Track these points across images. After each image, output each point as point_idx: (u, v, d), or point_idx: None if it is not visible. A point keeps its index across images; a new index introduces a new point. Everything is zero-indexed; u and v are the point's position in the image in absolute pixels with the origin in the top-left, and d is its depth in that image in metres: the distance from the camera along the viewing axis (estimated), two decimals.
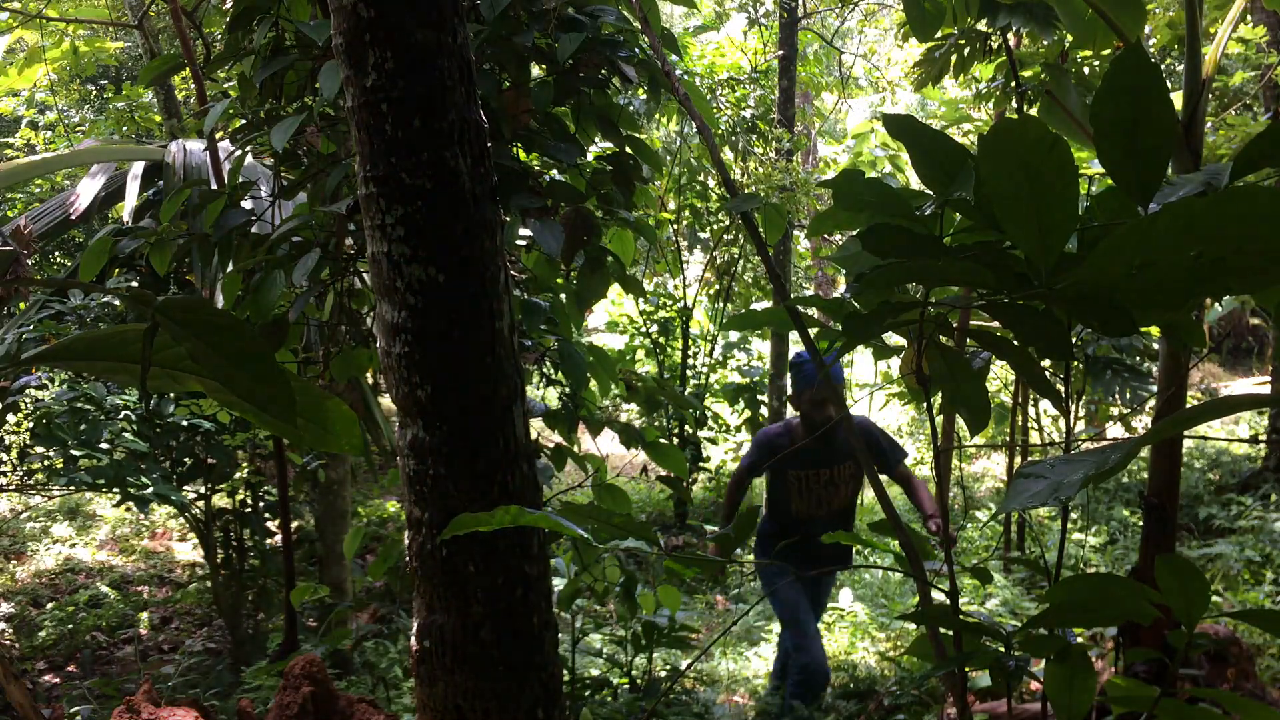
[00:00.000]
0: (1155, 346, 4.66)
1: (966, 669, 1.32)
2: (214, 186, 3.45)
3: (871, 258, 1.27)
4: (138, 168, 4.51)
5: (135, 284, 4.73)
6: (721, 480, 8.46)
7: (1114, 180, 1.03)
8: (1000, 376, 8.10)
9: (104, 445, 4.24)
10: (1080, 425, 6.48)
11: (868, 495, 8.65)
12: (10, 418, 4.61)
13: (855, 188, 1.27)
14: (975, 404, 1.33)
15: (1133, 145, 0.99)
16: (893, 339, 1.51)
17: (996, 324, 1.29)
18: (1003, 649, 1.19)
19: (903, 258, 1.17)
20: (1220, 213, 0.88)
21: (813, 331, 1.64)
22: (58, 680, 4.97)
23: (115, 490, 4.24)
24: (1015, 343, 1.26)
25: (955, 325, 2.02)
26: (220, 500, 5.18)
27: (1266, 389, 7.20)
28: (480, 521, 1.10)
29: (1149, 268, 0.96)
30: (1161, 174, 1.03)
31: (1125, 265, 0.96)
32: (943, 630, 1.32)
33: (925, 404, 1.35)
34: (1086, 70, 4.29)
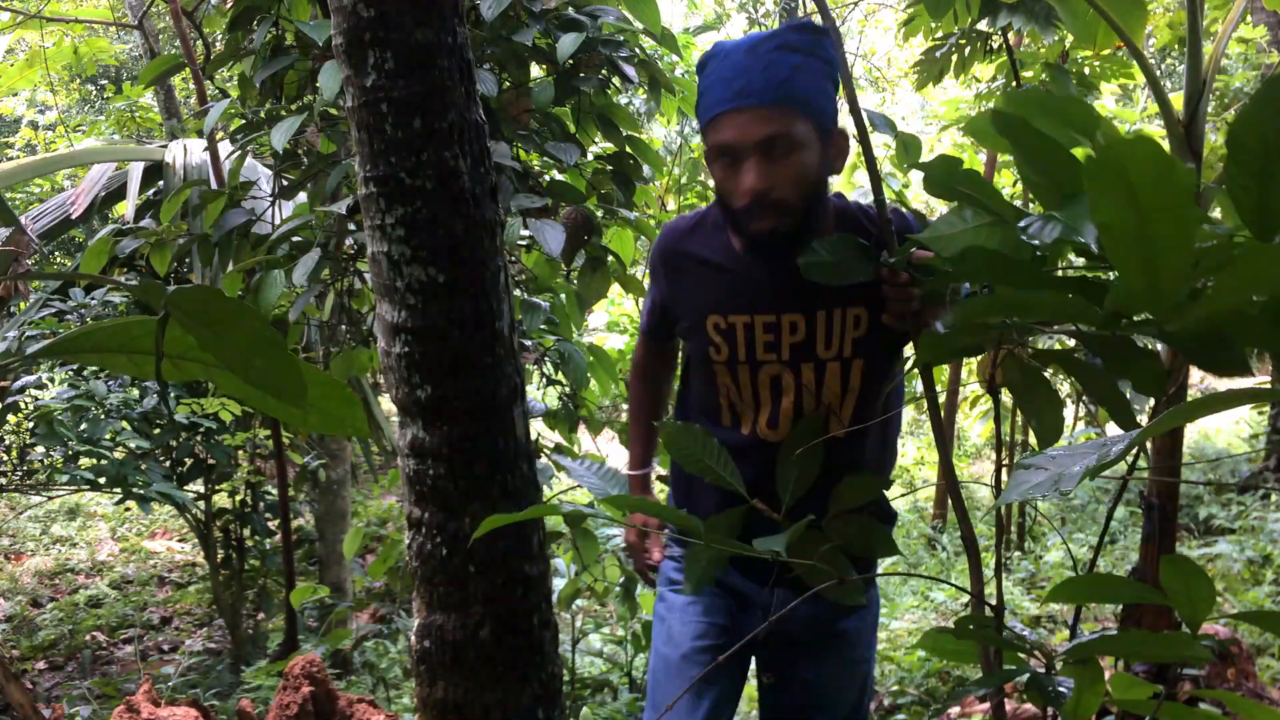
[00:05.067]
0: (1156, 347, 4.66)
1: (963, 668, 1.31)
2: (214, 186, 3.45)
3: (963, 234, 1.16)
4: (138, 168, 4.50)
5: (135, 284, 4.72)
6: None
7: (1235, 207, 0.92)
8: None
9: (105, 443, 4.24)
10: (1080, 425, 6.47)
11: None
12: (10, 418, 4.61)
13: (950, 176, 1.18)
14: (1048, 418, 1.29)
15: (1268, 172, 0.87)
16: None
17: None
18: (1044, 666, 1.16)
19: (998, 282, 1.06)
20: None
21: None
22: (58, 680, 4.97)
23: (117, 489, 4.24)
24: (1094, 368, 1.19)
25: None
26: (220, 500, 5.18)
27: (1266, 388, 7.22)
28: (509, 520, 1.08)
29: (1271, 303, 0.87)
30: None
31: (1245, 301, 0.86)
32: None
33: (994, 413, 1.33)
34: (1087, 70, 4.29)
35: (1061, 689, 1.11)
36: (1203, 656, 1.05)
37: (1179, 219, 0.85)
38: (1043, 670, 1.14)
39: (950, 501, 1.58)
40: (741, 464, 1.46)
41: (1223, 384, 11.05)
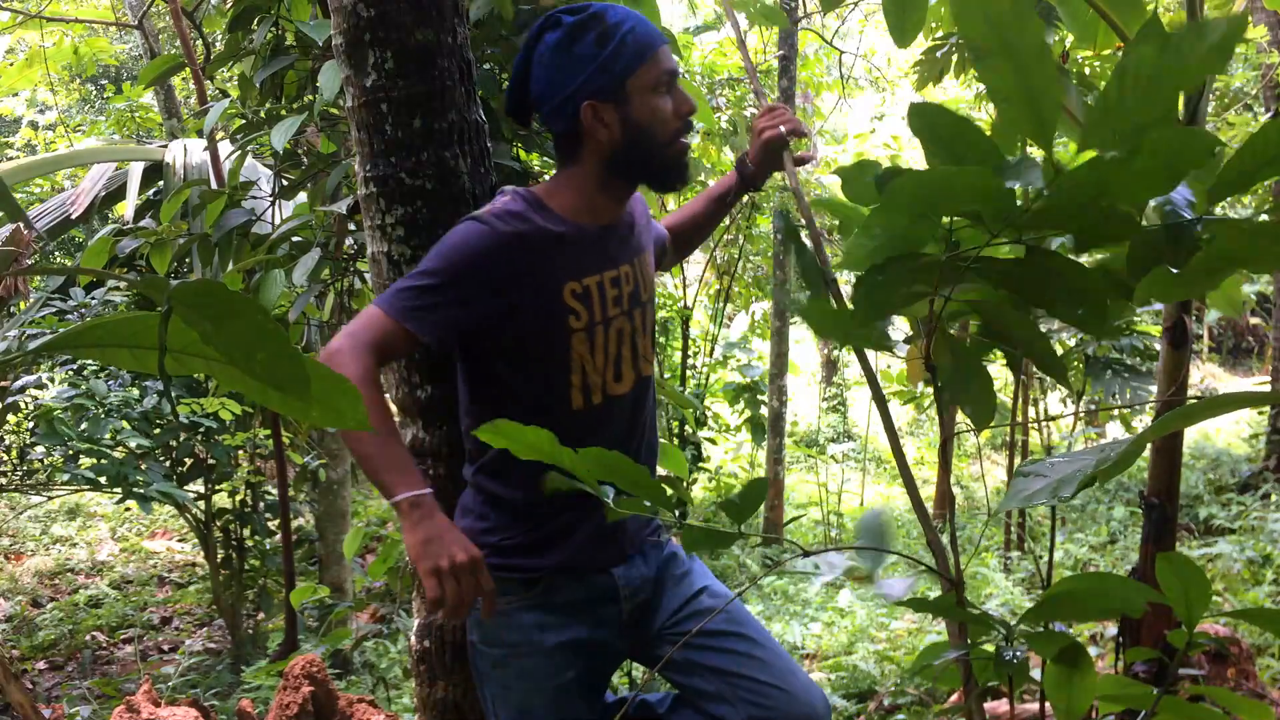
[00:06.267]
0: (1156, 347, 4.67)
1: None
2: (214, 186, 3.45)
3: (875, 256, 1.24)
4: (138, 168, 4.51)
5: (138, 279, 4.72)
6: (723, 481, 8.35)
7: (1032, 139, 1.03)
8: (1000, 375, 8.11)
9: (105, 442, 4.24)
10: (1080, 425, 6.48)
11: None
12: (10, 418, 4.62)
13: (866, 175, 1.21)
14: (980, 400, 1.31)
15: (1027, 91, 0.98)
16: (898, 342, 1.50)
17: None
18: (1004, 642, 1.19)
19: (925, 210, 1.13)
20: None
21: None
22: (58, 680, 4.97)
23: (117, 489, 4.24)
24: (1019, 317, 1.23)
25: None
26: (220, 500, 5.18)
27: (1267, 389, 7.22)
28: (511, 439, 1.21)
29: (1111, 216, 0.97)
30: (1055, 108, 1.01)
31: (1087, 195, 0.97)
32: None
33: (933, 392, 1.34)
34: (1087, 70, 4.29)
35: (1015, 656, 1.16)
36: (1136, 607, 1.09)
37: (1042, 63, 0.98)
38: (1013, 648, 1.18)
39: (950, 500, 1.59)
40: (604, 432, 1.57)
41: (1223, 385, 11.05)
